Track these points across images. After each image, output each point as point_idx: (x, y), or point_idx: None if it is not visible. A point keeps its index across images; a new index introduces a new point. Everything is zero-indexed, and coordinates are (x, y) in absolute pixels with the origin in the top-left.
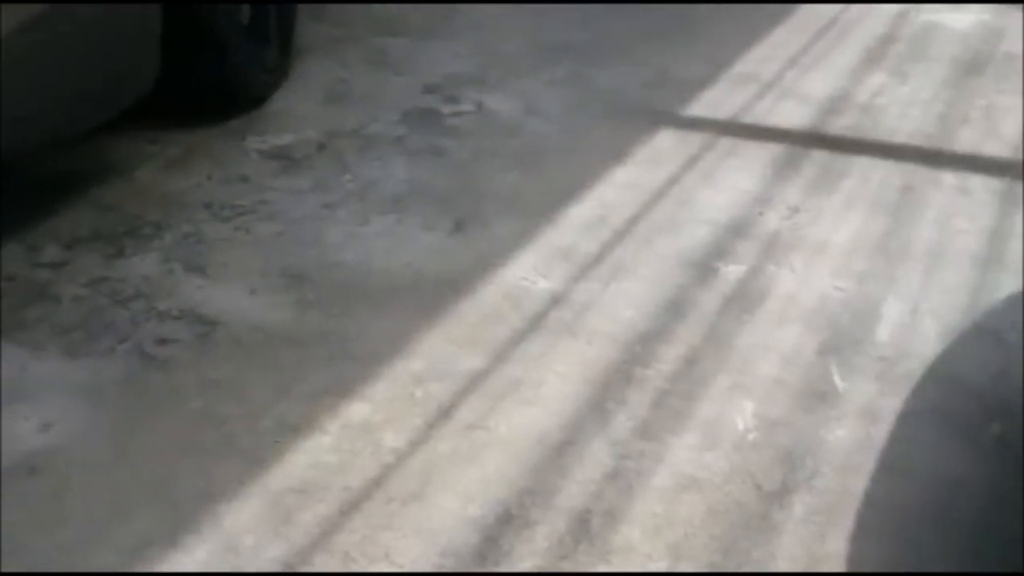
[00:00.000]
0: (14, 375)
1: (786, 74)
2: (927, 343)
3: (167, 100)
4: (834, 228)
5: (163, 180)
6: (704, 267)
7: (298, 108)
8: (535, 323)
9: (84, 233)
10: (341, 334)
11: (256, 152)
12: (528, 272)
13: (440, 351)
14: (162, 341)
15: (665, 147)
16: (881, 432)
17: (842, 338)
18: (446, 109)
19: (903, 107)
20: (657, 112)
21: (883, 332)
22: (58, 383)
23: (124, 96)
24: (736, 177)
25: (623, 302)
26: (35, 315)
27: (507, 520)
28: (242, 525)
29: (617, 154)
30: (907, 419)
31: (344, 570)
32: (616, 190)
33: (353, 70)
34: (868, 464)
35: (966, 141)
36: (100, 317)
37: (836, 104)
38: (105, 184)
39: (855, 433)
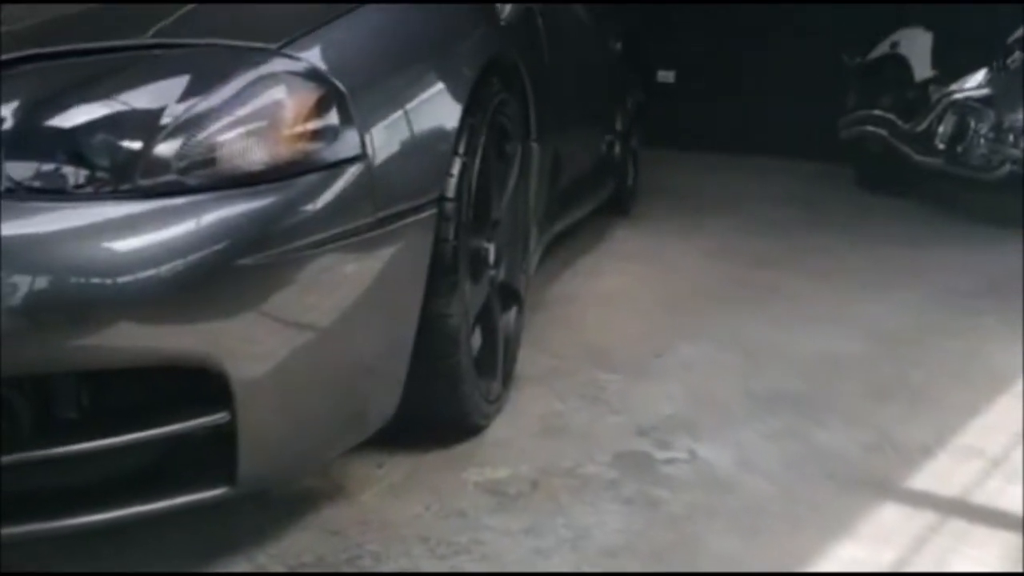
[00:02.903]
0: None
1: (1014, 450)
2: None
3: (396, 425)
4: None
5: (385, 507)
6: None
7: (515, 440)
8: None
9: (309, 559)
10: None
11: (473, 485)
12: None
13: None
14: None
15: (890, 523)
16: None
17: None
18: (659, 455)
19: None
20: (880, 481)
21: None
22: None
23: (371, 426)
24: (969, 568)
25: None
26: None
27: None
28: None
29: (840, 526)
30: None
31: None
32: (842, 568)
33: (568, 403)
34: None
35: None
36: None
37: None
38: (333, 506)
39: None
